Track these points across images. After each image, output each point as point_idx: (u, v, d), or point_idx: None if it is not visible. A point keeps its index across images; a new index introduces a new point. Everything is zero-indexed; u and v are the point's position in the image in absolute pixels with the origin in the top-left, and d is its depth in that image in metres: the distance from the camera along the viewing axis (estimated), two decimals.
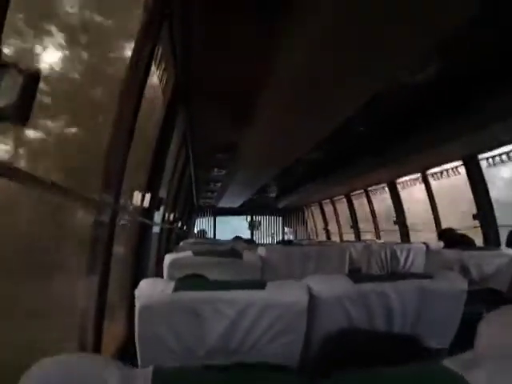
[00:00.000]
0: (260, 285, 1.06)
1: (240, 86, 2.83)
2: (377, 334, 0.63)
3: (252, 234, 11.73)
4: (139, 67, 1.36)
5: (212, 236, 11.70)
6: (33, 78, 0.62)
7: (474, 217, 3.65)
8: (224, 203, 10.83)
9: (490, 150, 3.61)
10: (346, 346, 0.57)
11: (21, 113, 0.62)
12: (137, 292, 1.04)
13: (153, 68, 1.79)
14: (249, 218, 12.50)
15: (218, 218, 12.50)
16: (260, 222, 12.72)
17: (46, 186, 0.98)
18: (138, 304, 1.02)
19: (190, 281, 1.17)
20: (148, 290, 1.06)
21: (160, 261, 2.88)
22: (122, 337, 1.90)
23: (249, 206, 11.28)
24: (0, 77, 0.59)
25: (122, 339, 1.88)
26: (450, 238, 2.57)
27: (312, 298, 1.03)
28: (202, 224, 12.41)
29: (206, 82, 2.77)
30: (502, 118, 2.74)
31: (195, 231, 11.36)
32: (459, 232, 2.78)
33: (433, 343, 0.95)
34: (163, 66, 2.24)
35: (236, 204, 11.18)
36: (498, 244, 3.39)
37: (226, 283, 1.07)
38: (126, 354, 1.41)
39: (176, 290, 1.03)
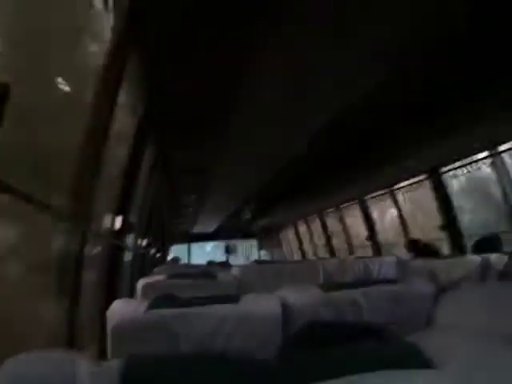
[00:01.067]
0: (233, 299, 1.07)
1: (212, 108, 2.88)
2: (347, 327, 0.66)
3: (227, 259, 11.58)
4: (109, 84, 1.38)
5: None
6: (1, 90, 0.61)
7: (441, 228, 3.77)
8: (198, 229, 10.73)
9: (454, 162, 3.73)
10: (318, 341, 0.59)
11: None
12: (108, 313, 1.02)
13: (122, 91, 1.81)
14: (224, 242, 12.36)
15: (193, 245, 12.29)
16: (235, 246, 12.59)
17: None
18: (109, 325, 1.00)
19: (162, 300, 1.16)
20: (120, 310, 1.05)
21: (134, 287, 2.80)
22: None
23: (223, 230, 11.21)
24: None
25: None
26: (417, 248, 2.67)
27: (285, 308, 1.05)
28: (176, 251, 12.12)
29: (177, 105, 2.80)
30: (463, 131, 2.87)
31: (169, 259, 11.09)
32: (425, 242, 2.88)
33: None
34: (133, 89, 2.26)
35: (210, 229, 11.09)
36: (464, 252, 3.49)
37: (199, 299, 1.07)
38: None
39: (149, 309, 1.02)
